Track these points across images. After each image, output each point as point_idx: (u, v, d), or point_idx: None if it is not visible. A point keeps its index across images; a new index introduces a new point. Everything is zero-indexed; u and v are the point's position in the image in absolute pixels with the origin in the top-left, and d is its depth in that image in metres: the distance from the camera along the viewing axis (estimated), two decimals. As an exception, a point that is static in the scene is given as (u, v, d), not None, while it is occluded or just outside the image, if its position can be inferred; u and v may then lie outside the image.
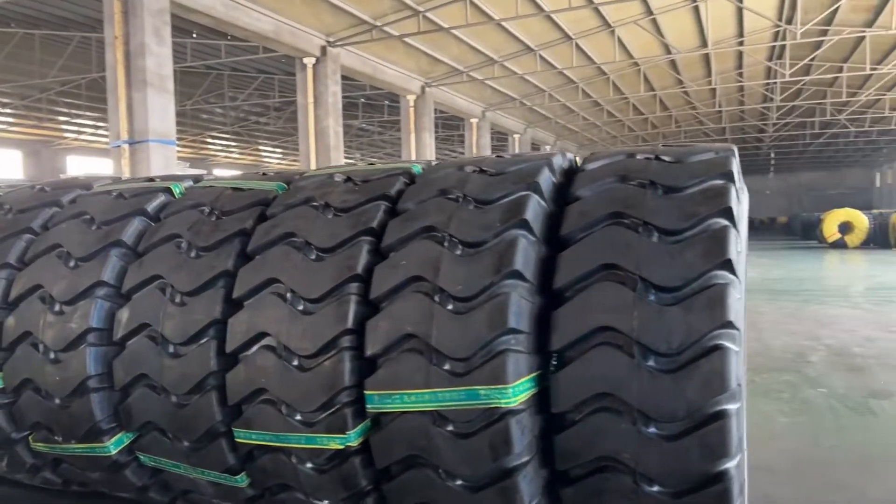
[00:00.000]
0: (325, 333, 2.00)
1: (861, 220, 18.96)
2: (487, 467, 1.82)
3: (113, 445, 2.44)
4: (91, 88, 21.13)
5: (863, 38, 17.87)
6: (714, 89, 24.01)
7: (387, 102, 24.19)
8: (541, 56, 17.69)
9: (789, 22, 16.45)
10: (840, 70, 21.45)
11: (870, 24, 17.18)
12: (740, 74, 22.48)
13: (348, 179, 2.37)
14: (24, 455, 2.67)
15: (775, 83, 23.27)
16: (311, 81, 14.32)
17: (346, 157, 41.36)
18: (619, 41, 17.14)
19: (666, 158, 2.03)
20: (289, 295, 2.09)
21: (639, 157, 2.07)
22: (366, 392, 1.95)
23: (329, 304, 2.02)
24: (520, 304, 1.80)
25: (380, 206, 2.17)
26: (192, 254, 2.35)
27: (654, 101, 25.45)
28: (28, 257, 2.57)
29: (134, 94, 10.10)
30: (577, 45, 17.24)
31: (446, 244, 1.94)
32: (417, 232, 2.02)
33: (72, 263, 2.50)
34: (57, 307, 2.44)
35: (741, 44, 18.61)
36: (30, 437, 2.63)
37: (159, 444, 2.36)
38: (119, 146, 10.14)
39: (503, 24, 15.04)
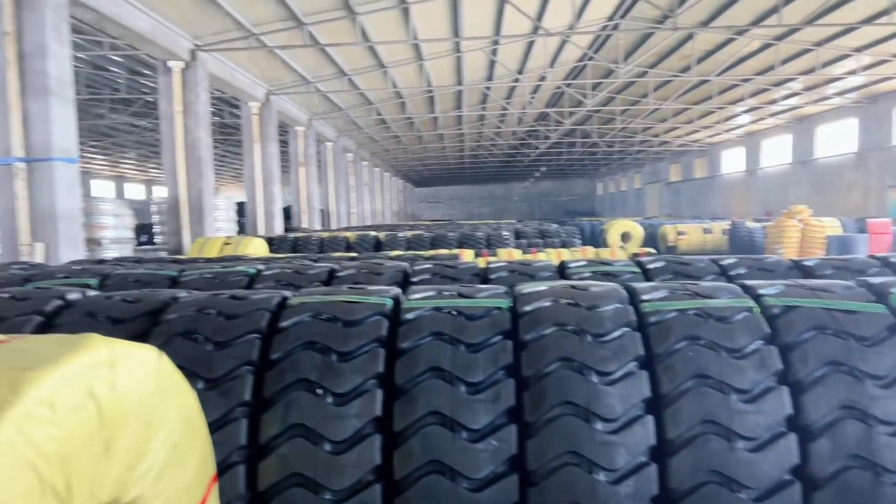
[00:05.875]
0: None
1: (637, 230, 22.57)
2: None
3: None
4: None
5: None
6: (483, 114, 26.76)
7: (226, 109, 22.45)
8: (389, 75, 18.03)
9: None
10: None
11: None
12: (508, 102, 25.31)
13: None
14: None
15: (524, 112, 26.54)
16: (178, 88, 12.92)
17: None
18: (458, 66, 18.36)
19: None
20: None
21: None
22: None
23: None
24: None
25: None
26: None
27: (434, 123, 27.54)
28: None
29: (31, 103, 8.39)
30: (424, 68, 17.95)
31: None
32: None
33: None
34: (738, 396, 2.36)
35: (517, 80, 21.01)
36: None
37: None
38: (10, 164, 8.32)
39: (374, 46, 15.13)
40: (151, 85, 18.57)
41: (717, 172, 36.33)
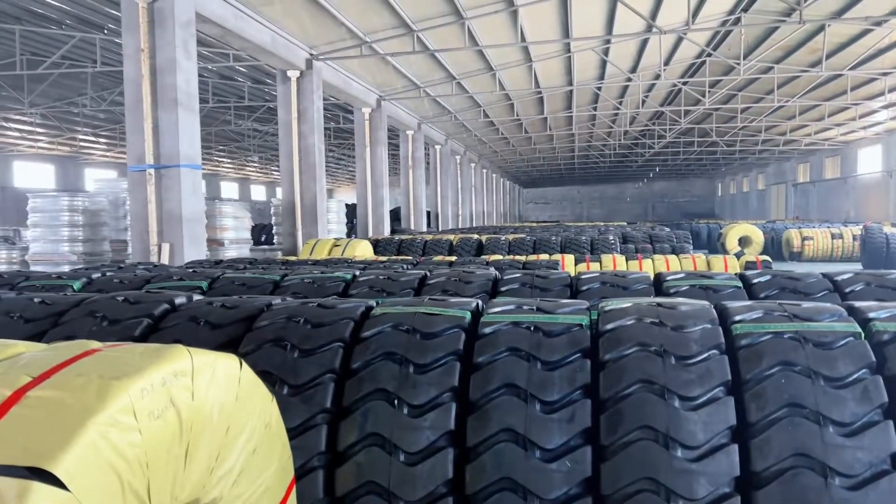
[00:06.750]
0: None
1: (758, 234, 21.33)
2: None
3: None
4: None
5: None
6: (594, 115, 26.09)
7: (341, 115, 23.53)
8: (498, 77, 18.05)
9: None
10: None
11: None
12: (620, 103, 24.52)
13: None
14: None
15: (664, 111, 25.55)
16: (294, 96, 13.54)
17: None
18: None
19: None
20: None
21: None
22: None
23: None
24: None
25: None
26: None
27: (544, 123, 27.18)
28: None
29: (162, 115, 9.07)
30: (533, 69, 17.83)
31: None
32: None
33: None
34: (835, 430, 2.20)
35: (629, 80, 20.27)
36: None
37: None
38: (143, 170, 9.02)
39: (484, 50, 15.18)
40: (273, 93, 19.62)
41: (850, 173, 33.67)
